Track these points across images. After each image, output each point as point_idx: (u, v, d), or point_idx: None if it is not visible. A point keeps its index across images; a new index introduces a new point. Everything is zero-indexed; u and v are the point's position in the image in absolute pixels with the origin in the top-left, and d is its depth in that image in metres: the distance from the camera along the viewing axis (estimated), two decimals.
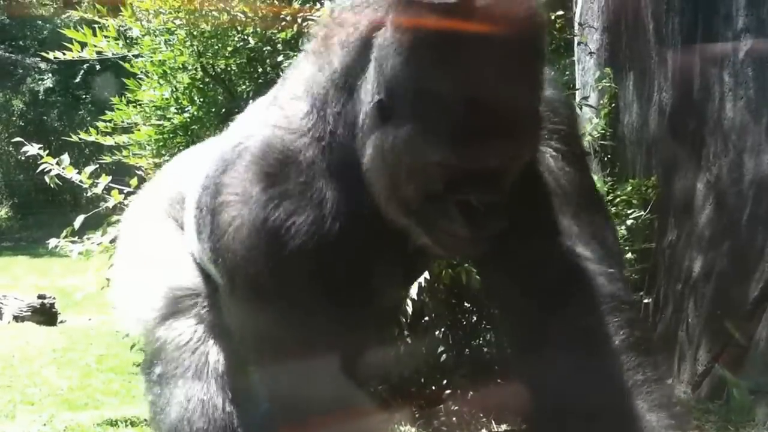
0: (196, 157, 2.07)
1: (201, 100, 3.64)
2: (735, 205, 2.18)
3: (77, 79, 14.68)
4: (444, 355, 2.90)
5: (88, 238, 3.28)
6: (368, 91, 1.32)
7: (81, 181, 3.23)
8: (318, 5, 3.01)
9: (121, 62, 3.88)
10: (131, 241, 2.17)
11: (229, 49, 3.45)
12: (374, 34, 1.31)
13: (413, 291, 2.53)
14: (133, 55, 3.76)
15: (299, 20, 3.01)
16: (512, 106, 1.20)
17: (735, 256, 2.16)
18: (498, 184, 1.27)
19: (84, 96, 14.92)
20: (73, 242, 3.29)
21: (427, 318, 2.89)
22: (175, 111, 3.71)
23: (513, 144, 1.23)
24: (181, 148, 3.35)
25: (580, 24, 3.76)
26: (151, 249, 1.98)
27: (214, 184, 1.58)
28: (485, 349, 3.01)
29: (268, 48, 3.34)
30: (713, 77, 2.47)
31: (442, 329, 2.97)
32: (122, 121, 3.85)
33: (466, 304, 3.01)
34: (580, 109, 3.29)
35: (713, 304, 2.20)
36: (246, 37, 3.39)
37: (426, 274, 2.51)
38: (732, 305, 2.09)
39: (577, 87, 3.79)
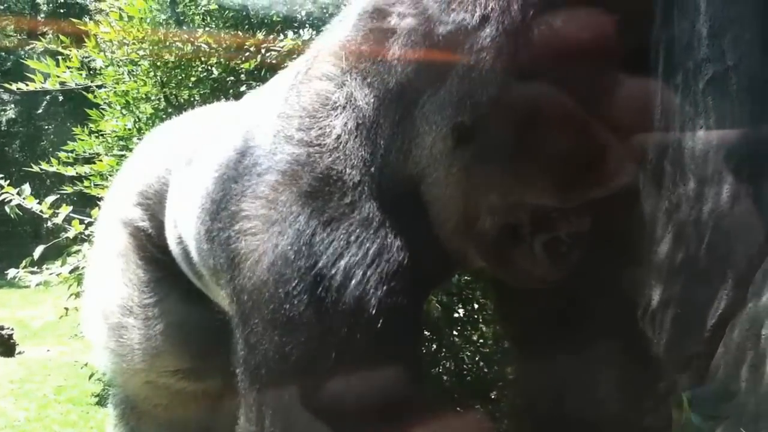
0: (171, 140, 2.03)
1: None
2: (694, 233, 2.22)
3: (40, 110, 14.50)
4: None
5: (47, 269, 3.25)
6: (441, 112, 1.17)
7: (41, 212, 3.21)
8: (281, 36, 3.05)
9: (84, 93, 3.87)
10: (96, 258, 2.16)
11: (193, 79, 3.46)
12: (452, 50, 1.14)
13: None
14: (96, 86, 3.75)
15: (263, 51, 3.04)
16: (617, 145, 1.10)
17: (694, 283, 2.20)
18: (588, 217, 1.17)
19: (47, 127, 14.74)
20: (32, 273, 3.26)
21: None
22: (138, 141, 3.70)
23: (615, 181, 1.14)
24: None
25: None
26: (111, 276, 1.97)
27: (229, 211, 1.39)
28: (444, 378, 3.02)
29: (232, 78, 3.37)
30: (674, 106, 2.50)
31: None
32: (84, 152, 3.83)
33: (425, 332, 3.01)
34: None
35: (672, 332, 2.23)
36: (209, 67, 3.41)
37: None
38: (691, 332, 2.12)
39: None
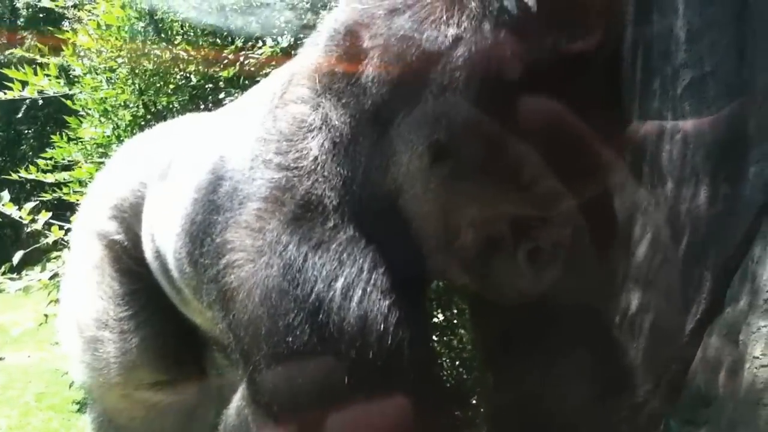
0: (145, 153, 2.02)
1: None
2: (672, 235, 2.23)
3: (20, 114, 14.40)
4: None
5: (27, 275, 3.24)
6: (416, 131, 1.17)
7: (21, 217, 3.20)
8: (260, 43, 3.05)
9: (63, 99, 3.85)
10: (71, 271, 2.15)
11: (171, 86, 3.45)
12: (425, 69, 1.13)
13: None
14: (74, 94, 3.74)
15: (241, 59, 3.04)
16: (592, 146, 1.11)
17: (672, 287, 2.20)
18: (569, 226, 1.18)
19: (27, 131, 14.63)
20: (11, 279, 3.24)
21: None
22: (117, 148, 3.68)
23: (593, 182, 1.15)
24: None
25: None
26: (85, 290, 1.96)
27: (214, 243, 1.35)
28: None
29: (210, 86, 3.36)
30: (652, 111, 2.51)
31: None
32: (63, 159, 3.81)
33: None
34: None
35: (651, 336, 2.23)
36: (188, 75, 3.40)
37: None
38: (669, 337, 2.13)
39: None
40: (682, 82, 2.32)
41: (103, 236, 2.01)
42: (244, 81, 3.08)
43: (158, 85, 3.42)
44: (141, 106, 3.55)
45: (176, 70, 3.37)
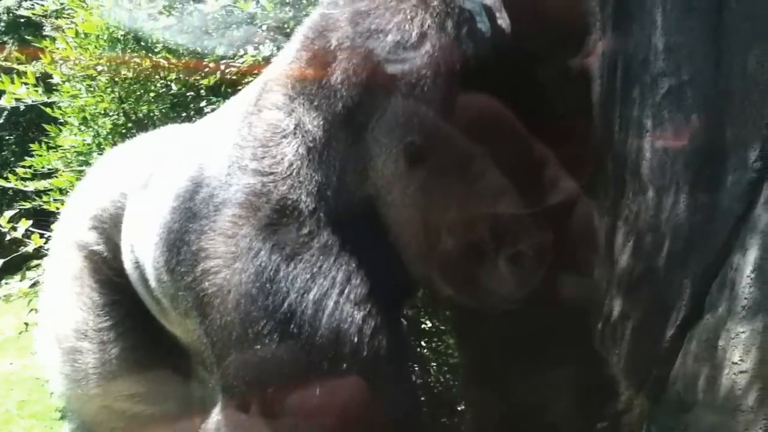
0: (126, 164, 2.01)
1: None
2: (653, 243, 2.24)
3: (1, 120, 14.26)
4: None
5: (7, 283, 3.22)
6: (390, 133, 1.16)
7: (1, 225, 3.18)
8: (241, 51, 3.04)
9: (42, 107, 3.83)
10: (50, 282, 2.14)
11: (152, 94, 3.44)
12: (394, 70, 1.12)
13: None
14: (53, 102, 3.71)
15: (222, 67, 3.03)
16: (572, 143, 1.10)
17: (653, 294, 2.22)
18: (549, 229, 1.16)
19: (8, 137, 14.49)
20: None
21: None
22: (98, 156, 3.66)
23: (573, 179, 1.14)
24: None
25: None
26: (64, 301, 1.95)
27: (190, 251, 1.35)
28: None
29: (192, 94, 3.35)
30: (632, 119, 2.53)
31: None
32: (42, 167, 3.78)
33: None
34: None
35: (633, 343, 2.24)
36: (169, 83, 3.39)
37: None
38: (650, 343, 2.14)
39: None
40: (660, 90, 2.34)
41: (82, 247, 1.99)
42: (225, 89, 3.07)
43: (138, 93, 3.41)
44: (121, 114, 3.53)
45: (156, 78, 3.36)
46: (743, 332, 1.67)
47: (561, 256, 1.20)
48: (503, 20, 1.01)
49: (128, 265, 1.87)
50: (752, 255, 1.72)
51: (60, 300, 2.04)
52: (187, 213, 1.43)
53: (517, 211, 1.13)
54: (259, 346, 1.14)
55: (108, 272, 1.98)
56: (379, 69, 1.14)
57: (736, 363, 1.72)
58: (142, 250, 1.76)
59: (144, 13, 3.19)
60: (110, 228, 1.95)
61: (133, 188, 1.86)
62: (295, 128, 1.26)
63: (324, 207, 1.20)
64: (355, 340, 1.12)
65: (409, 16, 1.10)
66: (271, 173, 1.24)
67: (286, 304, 1.13)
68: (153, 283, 1.72)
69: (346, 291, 1.13)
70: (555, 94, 1.08)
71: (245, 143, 1.33)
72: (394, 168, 1.16)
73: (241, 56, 2.91)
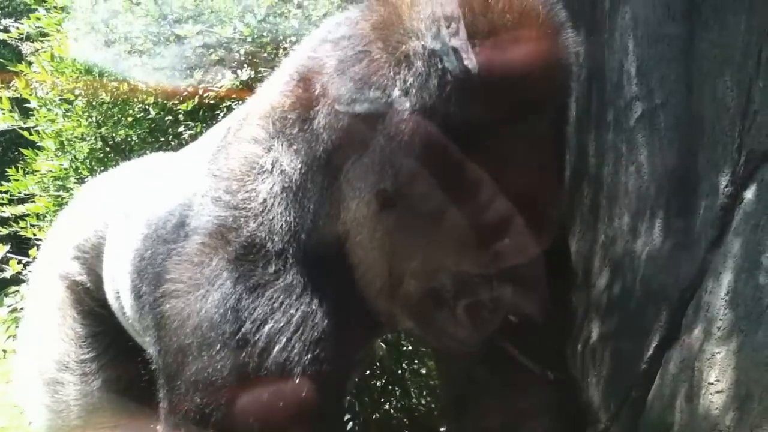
0: (108, 193, 2.00)
1: (101, 170, 3.58)
2: (629, 266, 2.28)
3: None
4: (350, 423, 2.88)
5: None
6: (364, 179, 1.18)
7: None
8: (220, 76, 3.05)
9: (19, 130, 3.80)
10: (31, 312, 2.12)
11: (130, 119, 3.43)
12: (373, 121, 1.15)
13: None
14: (29, 127, 3.68)
15: (200, 91, 3.03)
16: (539, 205, 1.11)
17: (630, 317, 2.25)
18: (511, 279, 1.18)
19: None
20: None
21: None
22: (75, 181, 3.64)
23: (537, 242, 1.14)
24: None
25: None
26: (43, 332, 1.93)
27: (155, 272, 1.40)
28: (393, 413, 3.01)
29: (170, 118, 3.34)
30: (607, 143, 2.56)
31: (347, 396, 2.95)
32: (19, 192, 3.75)
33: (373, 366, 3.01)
34: None
35: (611, 366, 2.27)
36: (147, 107, 3.38)
37: None
38: (628, 366, 2.16)
39: None
40: (634, 114, 2.38)
41: (64, 277, 1.98)
42: (204, 114, 3.07)
43: (116, 117, 3.39)
44: (99, 139, 3.51)
45: (134, 102, 3.35)
46: (719, 353, 1.70)
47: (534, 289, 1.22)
48: (470, 62, 1.04)
49: (110, 296, 1.86)
50: (726, 278, 1.75)
51: (41, 331, 2.02)
52: (157, 239, 1.45)
53: (478, 268, 1.16)
54: (210, 369, 1.17)
55: (90, 303, 1.97)
56: (359, 118, 1.16)
57: (713, 383, 1.74)
58: (120, 279, 1.76)
59: (121, 44, 3.19)
60: (92, 258, 1.94)
61: (114, 218, 1.86)
62: (272, 167, 1.27)
63: (293, 247, 1.22)
64: (296, 381, 1.15)
65: (392, 72, 1.12)
66: (244, 208, 1.26)
67: (241, 333, 1.16)
68: (127, 311, 1.73)
69: (300, 331, 1.16)
70: (529, 144, 1.11)
71: (220, 174, 1.35)
72: (366, 211, 1.18)
73: (220, 80, 2.91)
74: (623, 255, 2.33)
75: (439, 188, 1.10)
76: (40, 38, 3.58)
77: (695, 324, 1.86)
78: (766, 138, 1.65)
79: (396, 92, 1.13)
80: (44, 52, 3.38)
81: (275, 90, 1.34)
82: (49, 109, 3.55)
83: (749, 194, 1.74)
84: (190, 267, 1.25)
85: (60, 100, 3.49)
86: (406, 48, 1.12)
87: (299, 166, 1.23)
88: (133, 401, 1.89)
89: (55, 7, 3.41)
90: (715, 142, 1.86)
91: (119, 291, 1.81)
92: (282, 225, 1.23)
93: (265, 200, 1.25)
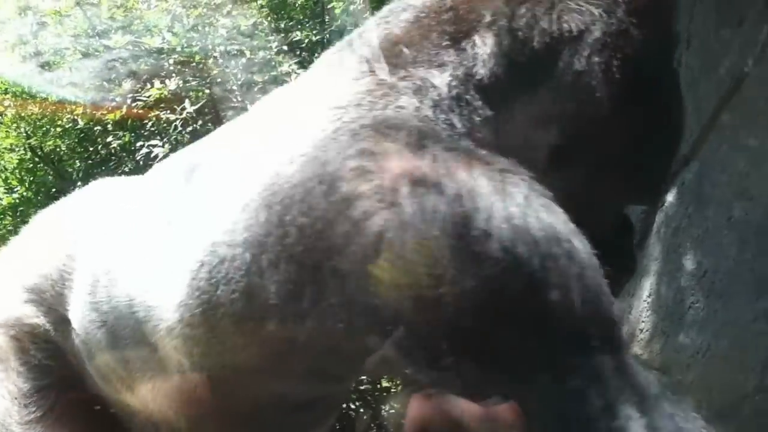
0: (68, 228, 1.81)
1: (30, 180, 3.56)
2: None
3: None
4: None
5: None
6: None
7: None
8: (148, 85, 3.06)
9: None
10: None
11: (59, 129, 3.42)
12: None
13: None
14: None
15: (128, 101, 3.04)
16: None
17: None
18: None
19: None
20: None
21: None
22: (4, 192, 3.61)
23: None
24: (9, 229, 3.26)
25: None
26: None
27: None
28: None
29: (99, 128, 3.34)
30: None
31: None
32: None
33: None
34: None
35: None
36: (75, 117, 3.37)
37: None
38: None
39: None
40: None
41: (10, 326, 1.80)
42: (132, 123, 3.09)
43: (45, 128, 3.38)
44: (28, 150, 3.49)
45: (63, 113, 3.34)
46: (642, 355, 1.74)
47: None
48: None
49: (89, 327, 1.66)
50: (648, 281, 1.78)
51: None
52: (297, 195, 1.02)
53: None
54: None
55: (37, 354, 1.79)
56: None
57: None
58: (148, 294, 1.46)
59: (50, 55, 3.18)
60: (53, 297, 1.76)
61: (83, 249, 1.68)
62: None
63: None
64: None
65: None
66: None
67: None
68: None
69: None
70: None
71: None
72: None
73: (148, 90, 2.93)
74: None
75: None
76: None
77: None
78: (686, 143, 1.66)
79: None
80: None
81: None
82: None
83: (670, 197, 1.76)
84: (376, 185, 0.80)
85: None
86: None
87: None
88: None
89: None
90: None
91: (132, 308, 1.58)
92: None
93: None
